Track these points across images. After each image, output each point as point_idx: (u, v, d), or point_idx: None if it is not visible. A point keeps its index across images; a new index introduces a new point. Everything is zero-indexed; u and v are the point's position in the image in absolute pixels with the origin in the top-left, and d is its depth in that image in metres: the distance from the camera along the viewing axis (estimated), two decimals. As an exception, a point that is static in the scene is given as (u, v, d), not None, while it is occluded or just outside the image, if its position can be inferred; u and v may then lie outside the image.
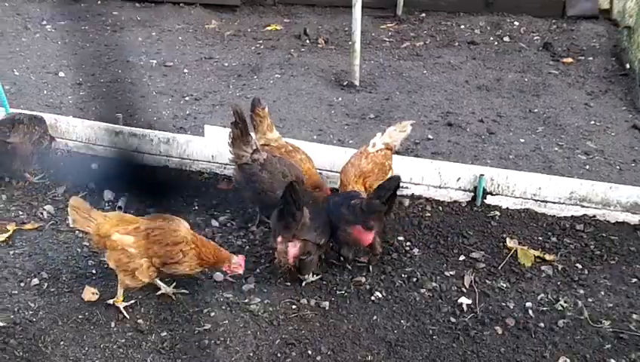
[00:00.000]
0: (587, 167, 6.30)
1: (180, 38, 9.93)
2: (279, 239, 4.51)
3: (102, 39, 9.90)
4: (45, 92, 8.03)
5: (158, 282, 4.48)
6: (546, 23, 9.89)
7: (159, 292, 4.52)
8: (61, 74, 8.58)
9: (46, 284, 4.68)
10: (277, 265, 4.67)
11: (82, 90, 8.10)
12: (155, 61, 9.03)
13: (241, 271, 4.41)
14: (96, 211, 4.43)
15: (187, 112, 7.47)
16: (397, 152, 5.54)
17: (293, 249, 4.50)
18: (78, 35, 10.05)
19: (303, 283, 4.66)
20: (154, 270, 4.33)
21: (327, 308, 4.47)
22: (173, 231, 4.30)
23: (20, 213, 5.51)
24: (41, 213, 5.48)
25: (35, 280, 4.70)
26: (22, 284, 4.68)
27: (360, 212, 4.55)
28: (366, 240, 4.67)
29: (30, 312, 4.41)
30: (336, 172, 5.46)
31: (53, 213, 5.50)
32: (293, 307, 4.49)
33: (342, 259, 4.89)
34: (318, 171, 5.65)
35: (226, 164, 5.70)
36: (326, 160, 5.73)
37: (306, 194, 5.02)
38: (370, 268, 4.83)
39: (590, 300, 4.56)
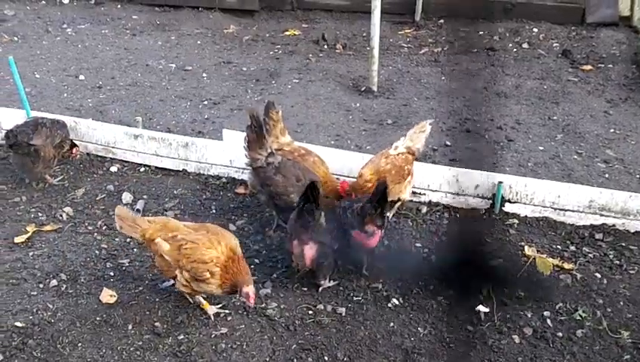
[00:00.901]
0: (607, 175, 6.25)
1: (199, 42, 9.99)
2: (295, 242, 4.52)
3: (121, 43, 9.99)
4: (65, 95, 8.10)
5: (199, 299, 4.45)
6: (565, 30, 9.85)
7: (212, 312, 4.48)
8: (81, 77, 8.65)
9: (64, 286, 4.71)
10: (294, 269, 4.67)
11: (102, 93, 8.16)
12: (174, 65, 9.08)
13: (249, 304, 4.25)
14: (141, 218, 4.49)
15: (205, 116, 7.50)
16: (416, 159, 5.50)
17: (310, 251, 4.49)
18: (98, 39, 10.15)
19: (320, 289, 4.65)
20: (186, 284, 4.28)
21: (343, 314, 4.47)
22: (204, 248, 4.20)
23: (40, 214, 5.55)
24: (61, 215, 5.52)
25: (54, 282, 4.73)
26: (41, 285, 4.71)
27: (357, 216, 4.57)
28: (367, 243, 4.67)
29: (49, 313, 4.44)
30: (354, 177, 5.46)
31: (72, 215, 5.54)
32: (310, 312, 4.48)
33: (357, 264, 4.87)
34: (336, 176, 5.66)
35: (244, 169, 5.70)
36: (344, 165, 5.73)
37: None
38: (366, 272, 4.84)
39: (609, 310, 4.52)
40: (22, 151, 5.78)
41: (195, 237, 4.26)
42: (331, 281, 4.71)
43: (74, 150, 6.16)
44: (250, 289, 4.15)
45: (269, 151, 5.16)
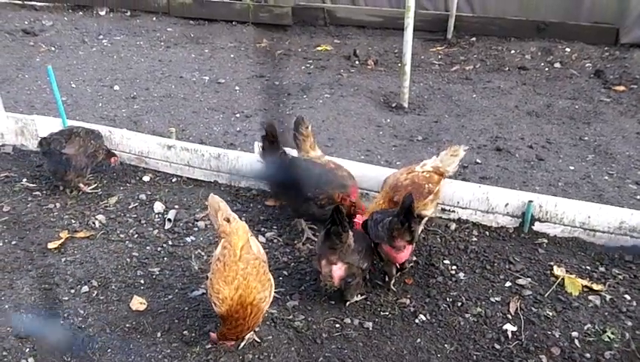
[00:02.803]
0: (638, 197, 6.18)
1: (232, 55, 10.12)
2: (323, 262, 4.54)
3: (156, 54, 10.16)
4: (100, 104, 8.25)
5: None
6: (599, 50, 9.78)
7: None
8: (116, 87, 8.81)
9: (95, 292, 4.79)
10: (322, 288, 4.71)
11: (136, 104, 8.30)
12: (207, 77, 9.21)
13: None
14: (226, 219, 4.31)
15: (237, 129, 7.59)
16: (444, 177, 5.50)
17: (339, 271, 4.51)
18: (133, 50, 10.33)
19: (347, 303, 4.67)
20: None
21: (370, 328, 4.47)
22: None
23: (73, 221, 5.66)
24: (93, 223, 5.62)
25: (85, 288, 4.82)
26: (72, 291, 4.80)
27: (386, 231, 4.57)
28: (397, 258, 4.67)
29: (79, 319, 4.52)
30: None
31: (105, 223, 5.64)
32: (337, 326, 4.50)
33: (386, 278, 4.88)
34: (365, 192, 5.69)
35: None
36: (373, 180, 5.74)
37: None
38: (393, 288, 4.84)
39: (638, 332, 4.45)
40: (54, 158, 5.91)
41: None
42: (359, 296, 4.73)
43: (112, 159, 6.28)
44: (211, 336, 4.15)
45: (282, 151, 5.45)
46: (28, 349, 4.25)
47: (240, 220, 4.33)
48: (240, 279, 3.96)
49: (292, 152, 5.63)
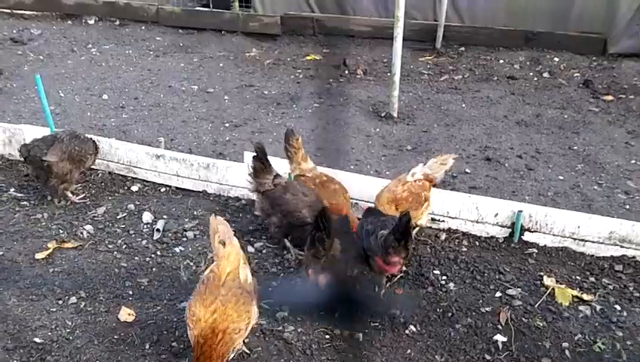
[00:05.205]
0: (627, 206, 6.21)
1: (221, 65, 10.12)
2: (310, 271, 4.53)
3: (145, 64, 10.14)
4: (89, 113, 8.21)
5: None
6: (587, 60, 9.85)
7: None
8: (105, 96, 8.77)
9: (83, 303, 4.74)
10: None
11: (125, 113, 8.27)
12: (196, 87, 9.19)
13: None
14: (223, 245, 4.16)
15: (227, 138, 7.57)
16: (434, 185, 5.52)
17: (325, 280, 4.50)
18: (122, 59, 10.31)
19: (337, 314, 4.64)
20: None
21: (360, 339, 4.44)
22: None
23: (61, 231, 5.61)
24: (81, 233, 5.57)
25: (73, 299, 4.76)
26: (60, 302, 4.74)
27: (380, 246, 4.58)
28: (389, 270, 4.72)
29: (67, 330, 4.46)
30: (373, 203, 5.47)
31: (93, 233, 5.59)
32: (327, 337, 4.47)
33: (376, 288, 4.86)
34: (355, 201, 5.68)
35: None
36: (363, 190, 5.74)
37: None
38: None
39: (629, 343, 4.45)
40: (36, 165, 5.86)
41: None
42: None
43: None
44: None
45: (275, 173, 5.34)
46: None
47: (236, 245, 4.18)
48: (218, 304, 3.81)
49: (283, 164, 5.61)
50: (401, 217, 4.46)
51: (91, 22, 12.07)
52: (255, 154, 5.31)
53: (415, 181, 5.29)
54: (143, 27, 11.78)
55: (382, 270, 4.69)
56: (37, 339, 4.33)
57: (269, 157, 5.37)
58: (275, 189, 5.28)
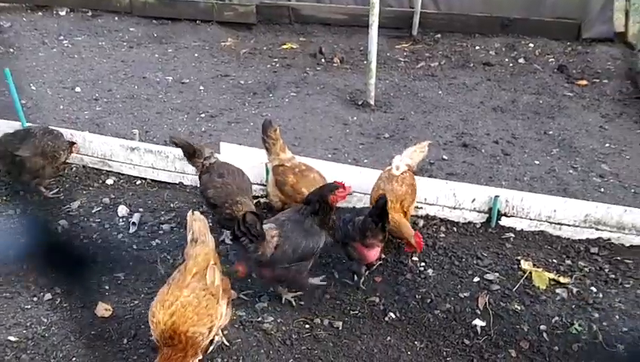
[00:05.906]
0: (602, 189, 6.26)
1: (196, 55, 10.02)
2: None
3: (118, 55, 10.02)
4: (62, 107, 8.10)
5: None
6: (561, 46, 9.90)
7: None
8: (77, 89, 8.66)
9: (59, 299, 4.69)
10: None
11: (98, 106, 8.17)
12: (171, 78, 9.10)
13: None
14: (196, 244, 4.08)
15: (203, 129, 7.51)
16: (413, 173, 5.51)
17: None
18: (95, 51, 10.18)
19: (282, 299, 4.67)
20: None
21: (340, 328, 4.44)
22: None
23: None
24: (56, 228, 5.49)
25: (48, 295, 4.71)
26: (35, 299, 4.69)
27: (358, 230, 4.61)
28: (369, 257, 4.72)
29: (43, 327, 4.41)
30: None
31: (68, 228, 5.51)
32: (307, 326, 4.46)
33: (355, 277, 4.85)
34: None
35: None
36: (340, 179, 5.69)
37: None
38: (362, 286, 4.82)
39: (605, 324, 4.50)
40: (7, 160, 5.78)
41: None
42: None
43: (73, 147, 6.15)
44: None
45: (205, 156, 5.42)
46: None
47: (209, 246, 4.06)
48: (178, 306, 3.67)
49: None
50: (378, 200, 4.50)
51: (63, 13, 11.88)
52: (174, 144, 5.53)
53: (403, 173, 5.26)
54: (116, 18, 11.62)
55: (362, 257, 4.69)
56: (11, 338, 4.27)
57: (190, 142, 5.48)
58: (202, 170, 5.39)
